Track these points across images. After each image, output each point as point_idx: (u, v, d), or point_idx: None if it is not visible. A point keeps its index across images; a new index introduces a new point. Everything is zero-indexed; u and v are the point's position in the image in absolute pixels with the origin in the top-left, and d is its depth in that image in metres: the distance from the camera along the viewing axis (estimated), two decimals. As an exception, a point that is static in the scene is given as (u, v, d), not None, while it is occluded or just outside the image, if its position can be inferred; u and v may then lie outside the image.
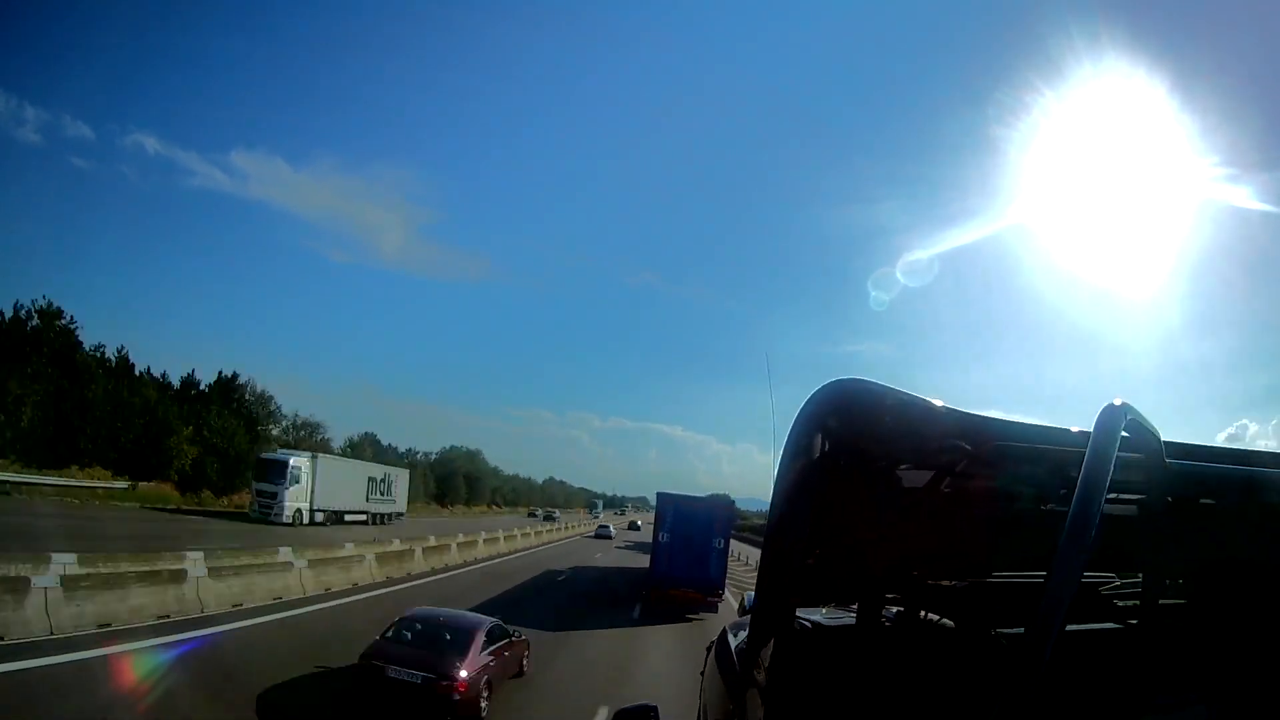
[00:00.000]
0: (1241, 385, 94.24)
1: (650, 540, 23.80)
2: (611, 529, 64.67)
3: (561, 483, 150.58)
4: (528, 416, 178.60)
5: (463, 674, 9.15)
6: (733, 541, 23.08)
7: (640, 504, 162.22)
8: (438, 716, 8.89)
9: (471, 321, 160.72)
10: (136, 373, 42.63)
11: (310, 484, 35.86)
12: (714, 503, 23.67)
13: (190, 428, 39.84)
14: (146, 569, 11.98)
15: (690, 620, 18.85)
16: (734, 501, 26.92)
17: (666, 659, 14.08)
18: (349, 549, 18.99)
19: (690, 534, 21.27)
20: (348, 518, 38.94)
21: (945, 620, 1.76)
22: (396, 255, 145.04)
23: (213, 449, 40.74)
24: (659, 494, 23.61)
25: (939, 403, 1.14)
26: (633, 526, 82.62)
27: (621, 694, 10.64)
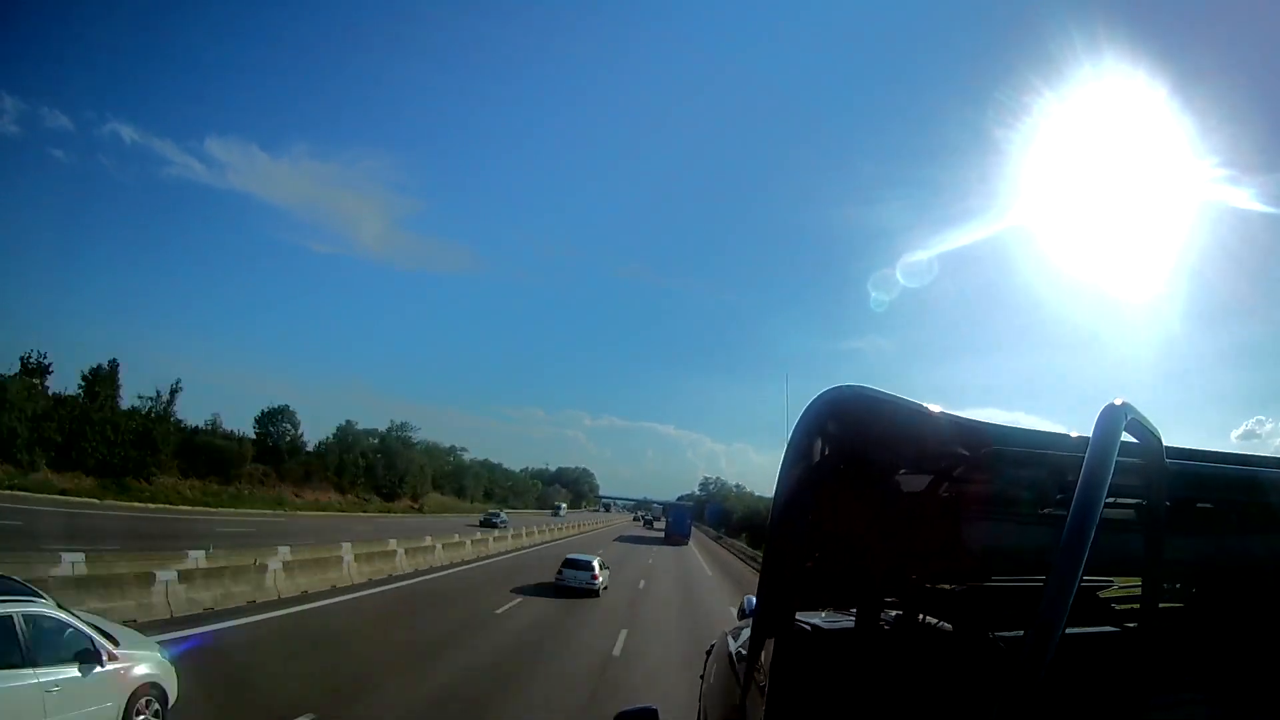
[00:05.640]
0: (1250, 383, 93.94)
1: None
2: None
3: (544, 469, 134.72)
4: (519, 415, 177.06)
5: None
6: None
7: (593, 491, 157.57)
8: None
9: (458, 316, 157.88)
10: None
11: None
12: (685, 503, 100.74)
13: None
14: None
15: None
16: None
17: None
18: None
19: (677, 517, 67.96)
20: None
21: (944, 624, 1.76)
22: (378, 246, 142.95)
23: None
24: (668, 504, 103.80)
25: (936, 409, 1.14)
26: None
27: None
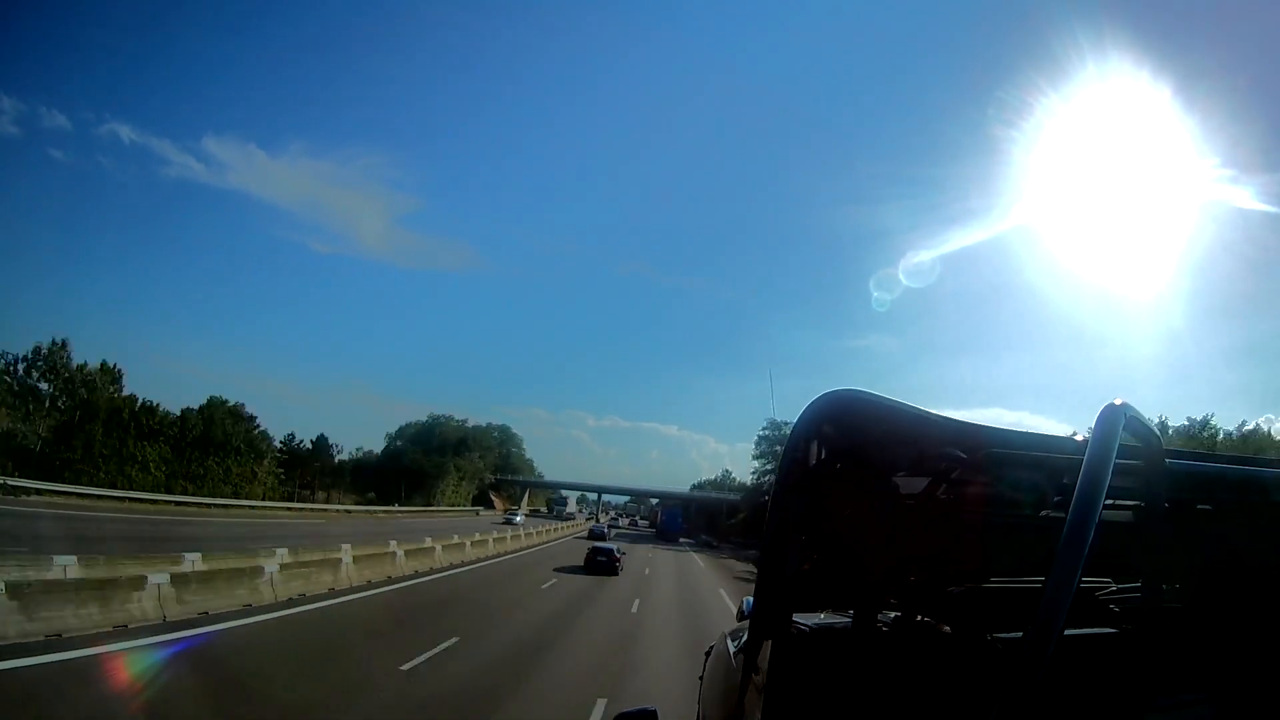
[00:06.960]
0: (1254, 381, 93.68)
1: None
2: None
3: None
4: (523, 415, 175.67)
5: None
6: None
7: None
8: None
9: (460, 315, 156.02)
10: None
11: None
12: (677, 500, 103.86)
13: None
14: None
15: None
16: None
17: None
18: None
19: (671, 514, 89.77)
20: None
21: (942, 625, 1.76)
22: (379, 244, 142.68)
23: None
24: (662, 501, 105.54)
25: (934, 411, 1.15)
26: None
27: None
